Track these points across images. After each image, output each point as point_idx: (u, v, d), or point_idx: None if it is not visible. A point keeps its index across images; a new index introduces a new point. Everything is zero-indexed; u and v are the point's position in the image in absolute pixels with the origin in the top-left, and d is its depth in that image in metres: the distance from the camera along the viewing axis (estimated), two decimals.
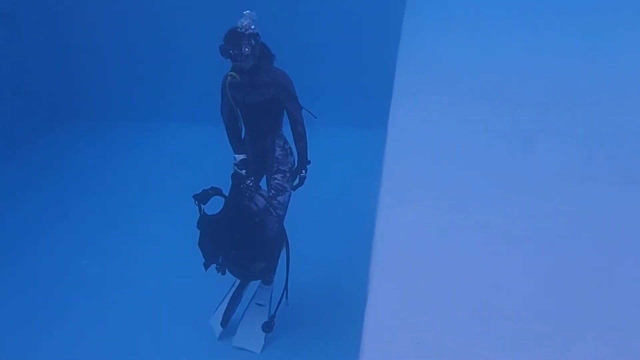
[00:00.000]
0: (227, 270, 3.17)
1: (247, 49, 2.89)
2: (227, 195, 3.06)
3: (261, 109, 3.11)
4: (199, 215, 2.99)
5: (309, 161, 3.26)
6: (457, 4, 3.34)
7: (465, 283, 1.25)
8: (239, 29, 2.91)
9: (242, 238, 3.00)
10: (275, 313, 3.23)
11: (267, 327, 3.25)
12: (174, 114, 6.39)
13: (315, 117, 3.18)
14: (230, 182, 3.24)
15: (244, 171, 3.19)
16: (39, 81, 6.43)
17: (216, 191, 2.99)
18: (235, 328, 3.44)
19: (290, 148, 3.30)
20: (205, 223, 3.00)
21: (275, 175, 3.23)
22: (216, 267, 3.15)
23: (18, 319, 3.71)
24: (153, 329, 3.58)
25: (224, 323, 3.42)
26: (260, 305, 3.42)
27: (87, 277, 4.06)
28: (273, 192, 3.20)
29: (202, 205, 2.96)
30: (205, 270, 3.06)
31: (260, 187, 3.07)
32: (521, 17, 3.03)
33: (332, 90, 6.00)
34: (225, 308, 3.45)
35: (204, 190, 2.96)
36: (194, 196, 2.94)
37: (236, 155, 3.31)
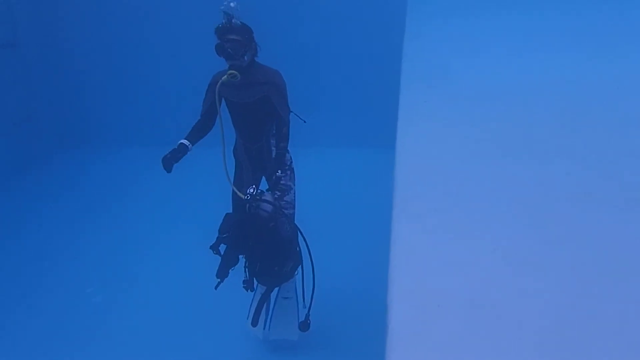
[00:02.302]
0: (255, 284, 3.23)
1: (244, 45, 2.85)
2: (236, 219, 3.07)
3: (255, 109, 3.08)
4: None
5: (287, 163, 3.20)
6: (456, 23, 3.38)
7: (485, 310, 1.25)
8: (227, 21, 2.86)
9: (263, 248, 3.02)
10: (308, 312, 3.22)
11: (304, 325, 3.23)
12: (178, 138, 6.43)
13: (305, 122, 3.14)
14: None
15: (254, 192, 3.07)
16: (43, 109, 6.50)
17: (228, 227, 3.00)
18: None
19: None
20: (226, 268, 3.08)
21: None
22: (244, 286, 3.18)
23: (23, 349, 3.66)
24: (167, 355, 3.56)
25: (254, 322, 3.31)
26: (286, 298, 3.46)
27: (93, 306, 4.02)
28: (278, 193, 3.17)
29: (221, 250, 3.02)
30: (215, 289, 3.11)
31: (262, 191, 3.02)
32: (526, 36, 3.04)
33: (335, 111, 6.06)
34: (255, 309, 3.41)
35: (218, 237, 2.99)
36: (211, 247, 3.00)
37: (183, 140, 3.16)
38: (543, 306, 1.25)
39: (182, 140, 3.15)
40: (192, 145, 3.15)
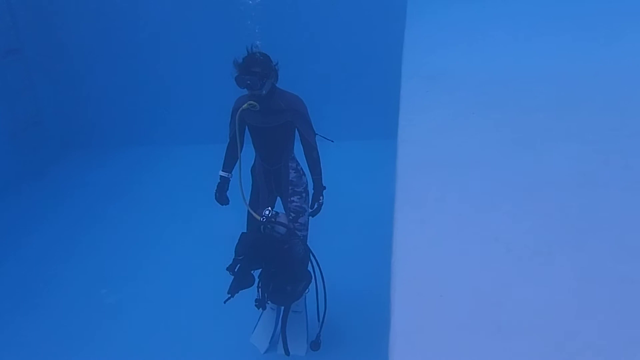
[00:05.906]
0: (268, 303, 3.24)
1: (263, 76, 2.89)
2: (251, 239, 3.04)
3: (275, 133, 3.13)
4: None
5: (324, 187, 3.28)
6: (455, 12, 3.36)
7: (488, 299, 1.24)
8: (251, 56, 2.92)
9: (275, 268, 3.05)
10: (320, 331, 3.25)
11: (315, 345, 3.29)
12: (183, 135, 6.48)
13: (332, 142, 3.20)
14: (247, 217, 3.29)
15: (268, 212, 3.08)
16: (49, 112, 6.55)
17: (244, 249, 2.98)
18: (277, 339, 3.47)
19: (302, 169, 3.33)
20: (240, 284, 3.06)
21: (292, 198, 3.24)
22: (256, 305, 3.21)
23: (35, 349, 3.68)
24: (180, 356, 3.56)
25: (286, 352, 3.34)
26: (296, 312, 3.47)
27: (105, 307, 4.04)
28: (293, 215, 3.21)
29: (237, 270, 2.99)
30: (224, 303, 3.05)
31: (278, 213, 3.06)
32: (525, 22, 3.02)
33: (336, 104, 6.06)
34: (275, 334, 3.45)
35: (234, 259, 2.97)
36: (227, 269, 2.97)
37: (221, 172, 3.35)
38: (548, 296, 1.23)
39: (221, 173, 3.36)
40: (230, 173, 3.35)
